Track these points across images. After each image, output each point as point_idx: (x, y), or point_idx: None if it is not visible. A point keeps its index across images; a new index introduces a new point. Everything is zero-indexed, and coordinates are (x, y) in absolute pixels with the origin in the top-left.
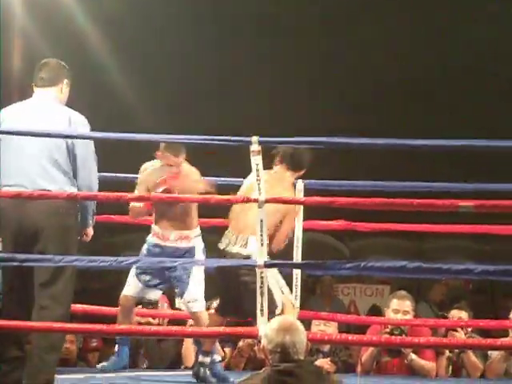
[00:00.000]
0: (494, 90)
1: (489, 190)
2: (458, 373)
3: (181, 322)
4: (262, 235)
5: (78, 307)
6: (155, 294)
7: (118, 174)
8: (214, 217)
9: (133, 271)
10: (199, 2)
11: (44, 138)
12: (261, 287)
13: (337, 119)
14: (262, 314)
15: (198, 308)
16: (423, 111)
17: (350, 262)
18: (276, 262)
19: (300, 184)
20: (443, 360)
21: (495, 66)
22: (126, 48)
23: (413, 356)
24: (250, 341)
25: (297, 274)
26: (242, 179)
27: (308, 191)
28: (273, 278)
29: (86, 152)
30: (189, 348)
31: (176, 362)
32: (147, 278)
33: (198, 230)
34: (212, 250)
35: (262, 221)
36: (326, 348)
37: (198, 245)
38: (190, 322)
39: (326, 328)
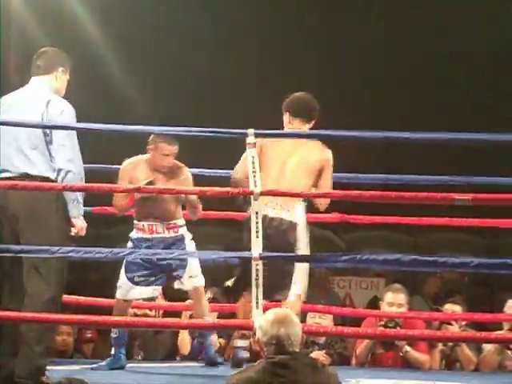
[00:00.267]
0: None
1: (485, 183)
2: (451, 366)
3: (176, 313)
4: (257, 225)
5: (72, 298)
6: (153, 292)
7: (113, 166)
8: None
9: (122, 274)
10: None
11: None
12: (256, 279)
13: (336, 114)
14: (257, 307)
15: (200, 282)
16: (421, 104)
17: (345, 255)
18: (271, 254)
19: None
20: (436, 353)
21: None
22: (124, 40)
23: (407, 348)
24: (244, 332)
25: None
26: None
27: None
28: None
29: (63, 136)
30: (184, 339)
31: (172, 353)
32: (140, 279)
33: (183, 220)
34: (218, 241)
35: (257, 213)
36: (322, 340)
37: (186, 234)
38: (186, 313)
39: (321, 320)
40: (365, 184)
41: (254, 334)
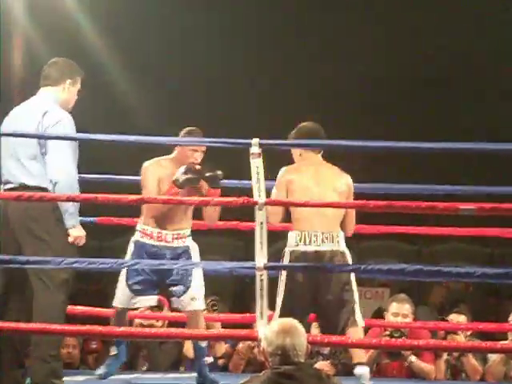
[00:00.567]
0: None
1: (491, 193)
2: (456, 376)
3: (180, 324)
4: (261, 238)
5: (76, 309)
6: (150, 301)
7: (117, 176)
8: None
9: (123, 282)
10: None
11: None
12: (260, 290)
13: (338, 123)
14: (261, 317)
15: (200, 306)
16: (424, 114)
17: (349, 265)
18: (276, 264)
19: None
20: (442, 363)
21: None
22: (125, 49)
23: (412, 358)
24: (249, 342)
25: None
26: (241, 181)
27: None
28: None
29: (55, 147)
30: (189, 349)
31: (176, 363)
32: (139, 287)
33: (190, 230)
34: (221, 251)
35: (261, 223)
36: (326, 350)
37: (193, 244)
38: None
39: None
40: (368, 194)
41: (259, 344)
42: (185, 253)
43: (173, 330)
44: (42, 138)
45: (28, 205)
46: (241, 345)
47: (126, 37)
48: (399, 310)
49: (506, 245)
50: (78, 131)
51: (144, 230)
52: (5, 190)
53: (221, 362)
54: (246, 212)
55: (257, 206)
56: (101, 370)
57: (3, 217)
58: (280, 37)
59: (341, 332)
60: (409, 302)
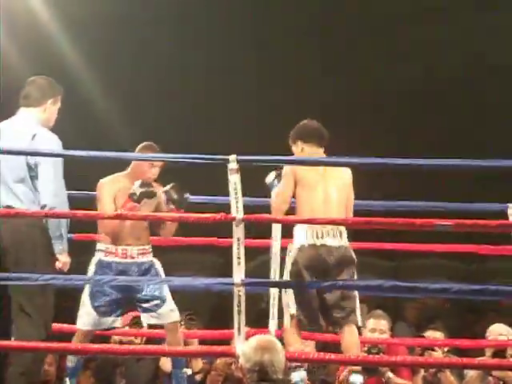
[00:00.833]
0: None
1: (467, 209)
2: None
3: (157, 340)
4: (239, 253)
5: (54, 326)
6: (115, 322)
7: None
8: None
9: (87, 303)
10: (180, 21)
11: (7, 157)
12: (238, 306)
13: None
14: (238, 333)
15: (177, 317)
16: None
17: (327, 281)
18: (254, 280)
19: None
20: (418, 379)
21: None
22: (101, 65)
23: (390, 375)
24: (227, 359)
25: (274, 292)
26: (218, 197)
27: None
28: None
29: (49, 171)
30: (165, 363)
31: (153, 380)
32: (106, 308)
33: (151, 245)
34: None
35: (239, 239)
36: (304, 366)
37: (155, 259)
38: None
39: (303, 347)
40: None
41: (237, 360)
42: (151, 267)
43: (150, 347)
44: (33, 154)
45: (17, 233)
46: (218, 361)
47: (101, 52)
48: (376, 326)
49: (483, 261)
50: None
51: (107, 249)
52: None
53: (198, 377)
54: (226, 228)
55: (234, 222)
56: None
57: None
58: (260, 51)
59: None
60: (386, 318)
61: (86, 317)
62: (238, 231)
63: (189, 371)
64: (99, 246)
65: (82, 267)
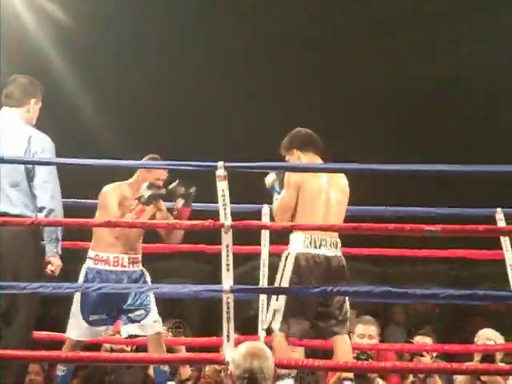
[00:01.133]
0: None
1: (456, 214)
2: None
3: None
4: (228, 260)
5: (42, 334)
6: (105, 331)
7: (84, 200)
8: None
9: (77, 314)
10: (164, 28)
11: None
12: (227, 312)
13: None
14: (227, 340)
15: (160, 329)
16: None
17: (316, 287)
18: (242, 286)
19: (266, 208)
20: None
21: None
22: (91, 75)
23: (379, 381)
24: (216, 366)
25: (263, 299)
26: (208, 204)
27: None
28: None
29: (46, 174)
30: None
31: None
32: (96, 317)
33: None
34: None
35: (227, 246)
36: (293, 373)
37: (144, 269)
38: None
39: (292, 353)
40: None
41: (227, 367)
42: (140, 277)
43: (140, 355)
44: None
45: (8, 234)
46: (207, 368)
47: (89, 61)
48: (365, 332)
49: (472, 266)
50: None
51: (98, 257)
52: None
53: None
54: (215, 235)
55: (223, 229)
56: None
57: None
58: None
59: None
60: (374, 323)
61: (77, 327)
62: (227, 238)
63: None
64: (90, 253)
65: (69, 275)
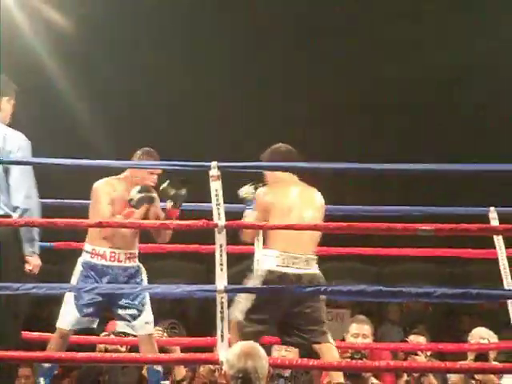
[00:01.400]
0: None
1: (449, 213)
2: None
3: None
4: (221, 260)
5: (34, 335)
6: (93, 323)
7: (72, 200)
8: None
9: (71, 303)
10: (158, 28)
11: None
12: (221, 312)
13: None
14: (222, 340)
15: (151, 330)
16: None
17: (309, 286)
18: (236, 286)
19: None
20: None
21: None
22: (83, 74)
23: (373, 380)
24: (210, 366)
25: None
26: (201, 204)
27: None
28: None
29: (19, 173)
30: None
31: None
32: (90, 309)
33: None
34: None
35: (221, 246)
36: (287, 373)
37: (141, 265)
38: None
39: (286, 353)
40: (330, 215)
41: (221, 367)
42: (137, 273)
43: (134, 355)
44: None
45: None
46: (202, 368)
47: (81, 60)
48: (359, 331)
49: (465, 265)
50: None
51: (94, 251)
52: None
53: None
54: (208, 235)
55: (216, 229)
56: None
57: None
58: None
59: (310, 347)
60: (368, 322)
61: (69, 316)
62: (221, 238)
63: (166, 383)
64: (87, 246)
65: (63, 276)
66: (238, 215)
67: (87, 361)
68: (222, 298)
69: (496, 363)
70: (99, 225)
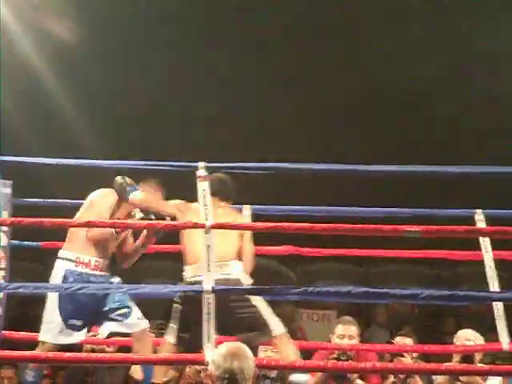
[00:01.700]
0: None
1: (436, 215)
2: None
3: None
4: (209, 260)
5: (22, 334)
6: (78, 337)
7: (63, 200)
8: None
9: (56, 318)
10: (148, 28)
11: None
12: (208, 313)
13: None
14: (208, 340)
15: (145, 325)
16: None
17: (297, 288)
18: (224, 287)
19: (247, 209)
20: None
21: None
22: (72, 75)
23: (359, 382)
24: (196, 366)
25: None
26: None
27: (253, 216)
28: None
29: None
30: (135, 370)
31: None
32: (78, 322)
33: None
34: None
35: (209, 246)
36: (273, 374)
37: (119, 277)
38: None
39: (273, 354)
40: (316, 216)
41: (207, 368)
42: (117, 282)
43: (121, 355)
44: None
45: None
46: (188, 368)
47: (74, 63)
48: (345, 332)
49: (452, 266)
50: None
51: (79, 259)
52: None
53: None
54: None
55: (204, 229)
56: None
57: None
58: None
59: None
60: (354, 323)
61: (55, 331)
62: (209, 238)
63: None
64: (70, 254)
65: (49, 275)
66: None
67: (74, 361)
68: (208, 298)
69: (481, 365)
70: (87, 224)
